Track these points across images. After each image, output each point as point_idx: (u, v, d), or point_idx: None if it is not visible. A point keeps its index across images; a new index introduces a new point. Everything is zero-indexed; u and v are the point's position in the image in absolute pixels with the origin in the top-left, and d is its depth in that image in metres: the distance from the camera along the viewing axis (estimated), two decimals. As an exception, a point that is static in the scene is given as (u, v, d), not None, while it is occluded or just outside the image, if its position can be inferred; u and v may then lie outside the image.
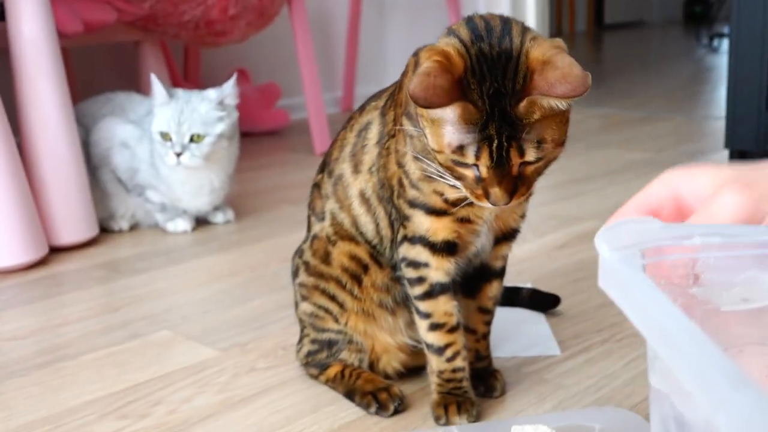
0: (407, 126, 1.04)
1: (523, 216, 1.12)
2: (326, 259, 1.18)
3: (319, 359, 1.23)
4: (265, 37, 3.44)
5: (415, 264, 1.09)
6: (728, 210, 0.58)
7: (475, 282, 1.15)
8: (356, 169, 1.14)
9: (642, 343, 1.29)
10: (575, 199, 2.21)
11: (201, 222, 2.15)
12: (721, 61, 5.32)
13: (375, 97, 1.17)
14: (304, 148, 3.04)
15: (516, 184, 0.93)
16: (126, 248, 1.98)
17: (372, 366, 1.21)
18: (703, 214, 0.59)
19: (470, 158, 0.91)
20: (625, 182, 2.37)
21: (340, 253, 1.17)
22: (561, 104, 0.89)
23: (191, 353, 1.37)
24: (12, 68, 1.89)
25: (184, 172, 1.99)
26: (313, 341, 1.22)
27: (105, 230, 2.09)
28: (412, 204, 1.06)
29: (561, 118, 0.92)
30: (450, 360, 1.12)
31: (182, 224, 2.08)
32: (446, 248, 1.07)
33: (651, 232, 0.58)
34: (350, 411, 1.16)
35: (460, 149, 0.91)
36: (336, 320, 1.19)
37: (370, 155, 1.12)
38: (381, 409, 1.14)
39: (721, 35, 5.96)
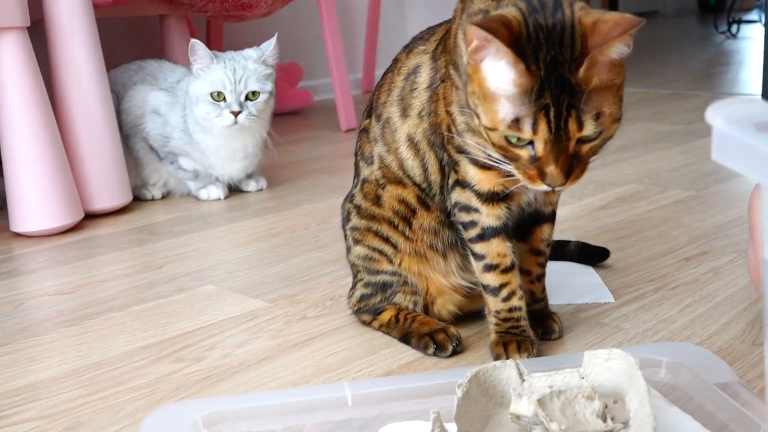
0: (454, 75, 1.03)
1: None
2: (377, 201, 1.18)
3: (373, 304, 1.21)
4: (287, 17, 3.43)
5: (467, 208, 1.08)
6: None
7: (527, 226, 1.14)
8: (404, 113, 1.13)
9: (697, 290, 1.28)
10: (613, 165, 2.19)
11: (233, 191, 2.14)
12: (741, 46, 5.31)
13: (421, 39, 1.16)
14: (330, 125, 3.03)
15: (572, 163, 0.92)
16: (160, 214, 1.97)
17: (426, 309, 1.20)
18: None
19: (527, 132, 0.90)
20: (660, 150, 2.36)
21: (390, 196, 1.16)
22: (621, 50, 0.89)
23: (240, 304, 1.36)
24: (47, 36, 1.88)
25: (219, 138, 1.98)
26: (367, 285, 1.21)
27: (137, 199, 2.08)
28: (459, 150, 1.06)
29: (617, 91, 0.91)
30: (506, 300, 1.10)
31: (215, 192, 2.07)
32: (494, 197, 1.06)
33: (759, 110, 0.56)
34: (407, 353, 1.15)
35: (516, 123, 0.90)
36: (390, 261, 1.18)
37: (419, 99, 1.11)
38: (439, 349, 1.12)
39: (740, 21, 5.93)
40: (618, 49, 0.89)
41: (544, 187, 0.93)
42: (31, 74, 1.77)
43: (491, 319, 1.12)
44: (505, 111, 0.90)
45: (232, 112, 1.92)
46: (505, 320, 1.11)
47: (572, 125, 0.89)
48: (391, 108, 1.15)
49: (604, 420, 0.82)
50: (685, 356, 1.00)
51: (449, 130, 1.06)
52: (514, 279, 1.11)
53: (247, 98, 1.94)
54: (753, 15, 7.13)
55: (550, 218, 1.15)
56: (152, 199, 2.09)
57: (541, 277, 1.17)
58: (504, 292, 1.11)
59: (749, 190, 1.82)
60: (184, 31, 2.71)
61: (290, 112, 3.34)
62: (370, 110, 1.20)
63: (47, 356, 1.20)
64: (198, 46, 1.92)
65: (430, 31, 1.17)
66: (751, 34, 5.95)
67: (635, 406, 0.82)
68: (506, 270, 1.10)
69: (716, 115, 0.55)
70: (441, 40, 1.11)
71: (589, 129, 0.90)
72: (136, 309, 1.36)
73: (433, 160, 1.12)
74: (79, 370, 1.15)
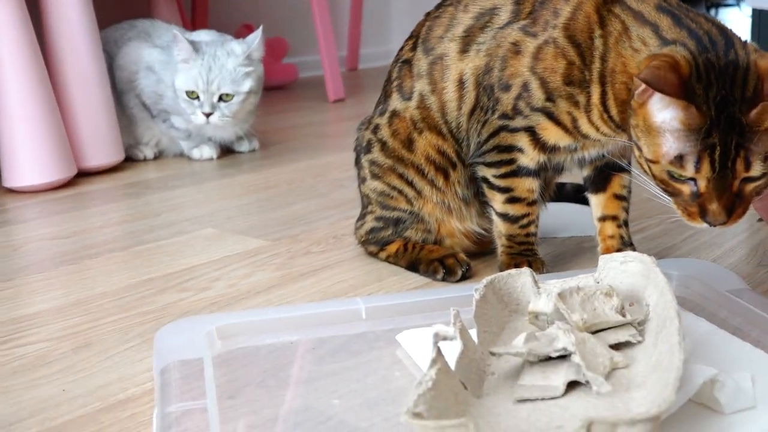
0: (567, 47, 1.00)
1: None
2: (409, 145, 1.15)
3: (382, 236, 1.21)
4: (272, -9, 3.42)
5: (509, 149, 1.07)
6: None
7: (606, 175, 1.13)
8: (465, 50, 1.09)
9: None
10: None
11: (225, 151, 2.13)
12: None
13: None
14: (317, 97, 3.02)
15: (735, 202, 0.89)
16: (153, 172, 1.96)
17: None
18: None
19: (689, 170, 0.88)
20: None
21: (427, 143, 1.14)
22: None
23: (242, 243, 1.35)
24: (37, -10, 1.87)
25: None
26: (378, 218, 1.20)
27: (129, 159, 2.06)
28: (536, 110, 1.04)
29: None
30: (524, 226, 1.11)
31: (208, 151, 2.05)
32: (550, 148, 1.06)
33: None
34: (416, 279, 1.15)
35: (679, 160, 0.88)
36: (410, 203, 1.17)
37: (486, 36, 1.07)
38: (448, 274, 1.12)
39: (718, 5, 5.97)
40: None
41: (703, 225, 0.92)
42: (24, 31, 1.75)
43: (502, 242, 1.12)
44: (669, 146, 0.89)
45: (204, 113, 1.91)
46: (520, 243, 1.12)
47: (740, 165, 0.88)
48: (450, 44, 1.10)
49: (623, 316, 0.82)
50: (696, 269, 1.00)
51: (526, 88, 1.03)
52: (536, 210, 1.12)
53: (221, 99, 1.92)
54: None
55: (627, 167, 1.13)
56: (144, 159, 2.07)
57: (626, 222, 1.14)
58: (524, 221, 1.11)
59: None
60: (171, 2, 2.69)
61: (276, 87, 3.32)
62: (417, 41, 1.15)
63: (51, 290, 1.18)
64: (179, 38, 1.90)
65: None
66: (728, 17, 5.99)
67: (655, 299, 0.82)
68: (531, 203, 1.11)
69: None
70: None
71: (756, 170, 0.88)
72: (138, 249, 1.35)
73: (470, 102, 1.09)
74: (84, 299, 1.14)
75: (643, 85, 0.90)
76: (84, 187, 1.81)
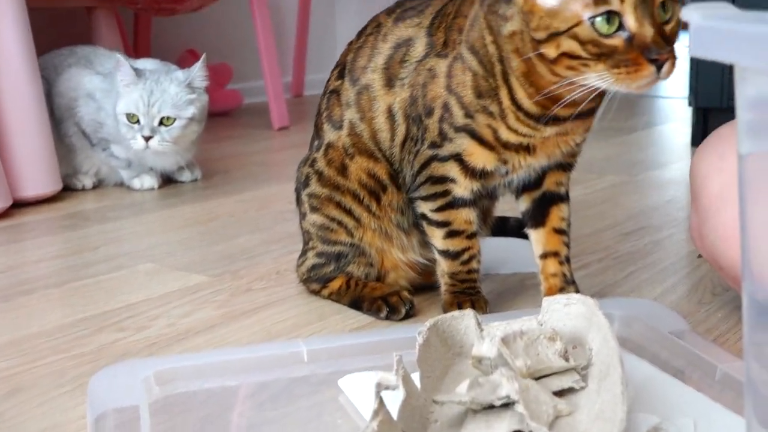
0: (470, 59, 1.02)
1: (573, 155, 1.10)
2: (343, 171, 1.14)
3: (324, 273, 1.19)
4: (217, 17, 3.40)
5: (441, 180, 1.07)
6: None
7: (543, 208, 1.12)
8: (389, 84, 1.10)
9: (640, 258, 1.30)
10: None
11: (167, 181, 2.10)
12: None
13: (413, 9, 1.12)
14: (261, 124, 3.01)
15: (665, 32, 0.89)
16: (91, 202, 1.92)
17: (378, 280, 1.19)
18: None
19: (614, 2, 0.87)
20: (589, 143, 2.39)
21: (358, 168, 1.13)
22: None
23: (182, 279, 1.33)
24: (-27, 15, 1.82)
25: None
26: (320, 254, 1.19)
27: (67, 188, 2.01)
28: (459, 129, 1.04)
29: None
30: (466, 263, 1.10)
31: (149, 181, 2.02)
32: (479, 174, 1.06)
33: (732, 10, 0.57)
34: (359, 318, 1.13)
35: None
36: (350, 234, 1.16)
37: (408, 71, 1.08)
38: (392, 312, 1.11)
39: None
40: None
41: (651, 71, 0.88)
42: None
43: (445, 281, 1.12)
44: None
45: (144, 137, 1.88)
46: (462, 281, 1.11)
47: None
48: (373, 75, 1.11)
49: (567, 360, 0.82)
50: (638, 309, 1.01)
51: (446, 108, 1.04)
52: (476, 244, 1.11)
53: (161, 123, 1.89)
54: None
55: (566, 198, 1.13)
56: (83, 189, 2.03)
57: (568, 258, 1.13)
58: (465, 256, 1.11)
59: (682, 175, 1.86)
60: (113, 25, 2.66)
61: (220, 113, 3.30)
62: (343, 71, 1.16)
63: (-19, 329, 1.15)
64: (123, 63, 1.88)
65: (424, 1, 1.13)
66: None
67: (598, 344, 0.82)
68: (470, 236, 1.10)
69: (692, 11, 0.55)
70: (438, 14, 1.09)
71: None
72: (75, 285, 1.32)
73: (402, 134, 1.10)
74: (17, 340, 1.10)
75: None
76: (19, 219, 1.77)
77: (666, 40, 0.89)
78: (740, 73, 0.53)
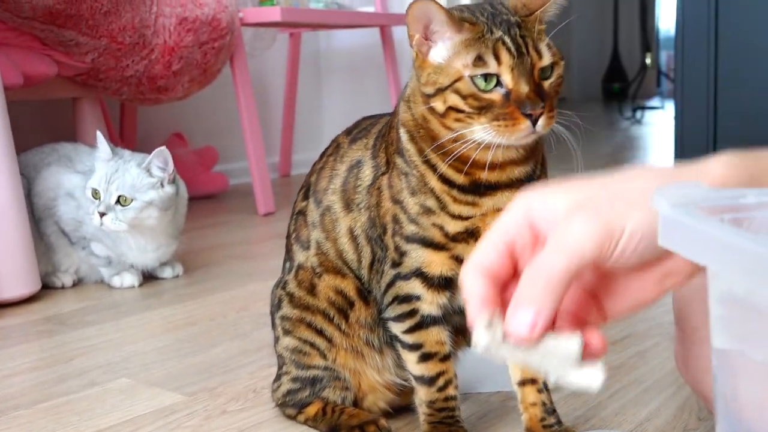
0: (400, 162, 1.03)
1: None
2: (312, 290, 1.13)
3: (299, 398, 1.16)
4: (203, 101, 3.41)
5: (407, 299, 1.05)
6: (577, 237, 0.57)
7: None
8: (348, 207, 1.10)
9: (625, 374, 1.28)
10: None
11: (148, 278, 2.07)
12: (645, 131, 5.51)
13: (364, 130, 1.14)
14: (246, 209, 2.99)
15: (542, 92, 0.93)
16: (71, 303, 1.89)
17: (356, 404, 1.16)
18: (552, 243, 0.58)
19: (491, 64, 0.92)
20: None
21: (326, 286, 1.12)
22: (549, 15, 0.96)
23: (156, 398, 1.29)
24: (-47, 116, 1.81)
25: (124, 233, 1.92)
26: (294, 379, 1.16)
27: (46, 287, 1.98)
28: (410, 239, 1.03)
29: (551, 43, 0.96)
30: (442, 389, 1.08)
31: (129, 279, 2.00)
32: (442, 283, 1.04)
33: (703, 193, 0.56)
34: (335, 447, 1.10)
35: (480, 59, 0.92)
36: (323, 356, 1.13)
37: (362, 196, 1.09)
38: (369, 443, 1.08)
39: (643, 108, 6.17)
40: (550, 11, 0.96)
41: (526, 125, 0.92)
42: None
43: (424, 410, 1.09)
44: (466, 57, 0.93)
45: (99, 212, 1.87)
46: (440, 410, 1.08)
47: (531, 51, 0.93)
48: (333, 197, 1.12)
49: None
50: (620, 445, 0.98)
51: (396, 220, 1.04)
52: (451, 368, 1.08)
53: (118, 202, 1.88)
54: (655, 101, 7.43)
55: None
56: (62, 287, 2.00)
57: (547, 385, 1.09)
58: (440, 381, 1.08)
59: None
60: (97, 115, 2.66)
61: (205, 196, 3.29)
62: (308, 192, 1.16)
63: (-55, 461, 1.11)
64: (101, 139, 1.88)
65: (373, 121, 1.15)
66: (654, 119, 6.18)
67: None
68: (444, 358, 1.08)
69: (661, 199, 0.54)
70: (379, 134, 1.10)
71: (546, 57, 0.94)
72: (45, 406, 1.28)
73: (368, 256, 1.09)
74: (-19, 475, 1.06)
75: (417, 35, 0.95)
76: (-5, 322, 1.73)
77: (542, 96, 0.93)
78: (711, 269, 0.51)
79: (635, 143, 4.98)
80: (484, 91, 0.93)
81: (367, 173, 1.09)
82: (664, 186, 0.57)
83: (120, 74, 2.46)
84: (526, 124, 0.92)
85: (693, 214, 0.51)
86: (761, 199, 0.55)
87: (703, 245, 0.49)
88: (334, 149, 1.15)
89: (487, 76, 0.92)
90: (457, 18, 0.94)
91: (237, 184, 3.53)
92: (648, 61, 6.82)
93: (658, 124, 5.87)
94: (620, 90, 8.41)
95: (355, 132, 1.15)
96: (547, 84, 0.94)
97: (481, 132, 0.94)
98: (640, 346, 1.44)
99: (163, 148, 1.92)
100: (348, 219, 1.10)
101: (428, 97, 0.97)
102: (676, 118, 2.30)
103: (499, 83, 0.93)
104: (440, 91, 0.95)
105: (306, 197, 1.16)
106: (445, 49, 0.95)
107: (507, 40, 0.92)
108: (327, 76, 4.24)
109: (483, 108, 0.93)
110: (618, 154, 4.46)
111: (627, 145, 4.87)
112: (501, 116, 0.93)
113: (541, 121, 0.93)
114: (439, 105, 0.96)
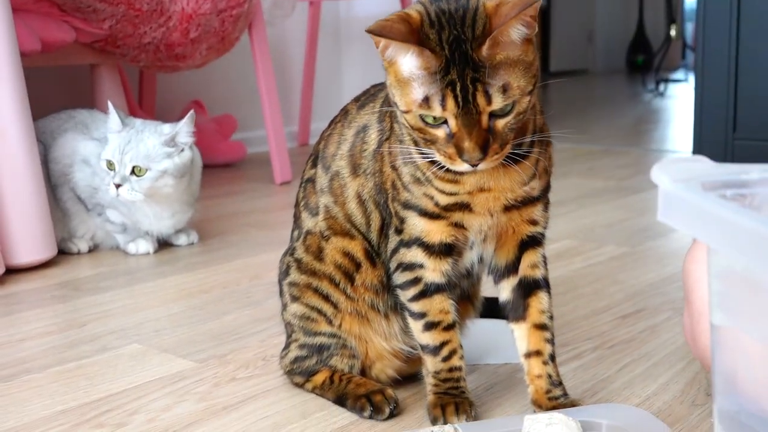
0: (396, 129, 1.04)
1: (533, 222, 1.07)
2: (319, 255, 1.14)
3: (307, 366, 1.17)
4: (222, 68, 3.40)
5: (410, 267, 1.06)
6: None
7: (523, 299, 1.09)
8: (355, 171, 1.11)
9: (635, 349, 1.27)
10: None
11: (163, 244, 2.08)
12: (667, 104, 5.44)
13: (372, 96, 1.14)
14: (264, 178, 2.99)
15: (488, 138, 0.92)
16: (86, 269, 1.90)
17: (364, 372, 1.16)
18: None
19: (436, 109, 0.91)
20: (593, 206, 2.37)
21: (334, 248, 1.13)
22: (521, 29, 0.91)
23: (166, 364, 1.30)
24: (-30, 81, 1.82)
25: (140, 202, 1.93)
26: (302, 346, 1.17)
27: (62, 252, 2.00)
28: (406, 206, 1.04)
29: (525, 65, 0.93)
30: (446, 359, 1.08)
31: (144, 246, 2.01)
32: (443, 250, 1.05)
33: (705, 169, 0.55)
34: (342, 416, 1.11)
35: (426, 102, 0.92)
36: (329, 322, 1.14)
37: (368, 160, 1.10)
38: (376, 412, 1.09)
39: (667, 80, 6.09)
40: (518, 28, 0.92)
41: (465, 167, 0.93)
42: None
43: (429, 380, 1.09)
44: (416, 91, 0.93)
45: (115, 184, 1.87)
46: (445, 380, 1.08)
47: (480, 99, 0.91)
48: (341, 162, 1.13)
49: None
50: (625, 418, 0.98)
51: (394, 186, 1.05)
52: (456, 337, 1.08)
53: (133, 172, 1.88)
54: (679, 74, 7.34)
55: (544, 285, 1.09)
56: (78, 253, 2.01)
57: (553, 357, 1.08)
58: (445, 351, 1.08)
59: (683, 246, 1.83)
60: (116, 81, 2.66)
61: (223, 165, 3.29)
62: (316, 159, 1.17)
63: (-43, 422, 1.12)
64: (112, 110, 1.88)
65: (381, 86, 1.14)
66: (677, 92, 6.11)
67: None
68: (448, 327, 1.08)
69: (662, 174, 0.53)
70: (386, 99, 1.09)
71: (497, 102, 0.91)
72: (56, 370, 1.29)
73: (377, 220, 1.10)
74: (-8, 437, 1.08)
75: (383, 42, 0.93)
76: (11, 287, 1.75)
77: (485, 144, 0.92)
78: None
79: (655, 116, 4.93)
80: (431, 126, 0.93)
81: (372, 137, 1.09)
82: (666, 160, 0.56)
83: (137, 41, 2.46)
84: (464, 166, 0.93)
85: (693, 190, 0.50)
86: (764, 175, 0.54)
87: (703, 221, 0.48)
88: (343, 116, 1.16)
89: (434, 117, 0.92)
90: (421, 36, 0.92)
91: (255, 152, 3.53)
92: (673, 33, 6.71)
93: (680, 97, 5.80)
94: (644, 62, 8.31)
95: (363, 98, 1.15)
96: (501, 123, 0.93)
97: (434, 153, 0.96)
98: (652, 320, 1.43)
99: (192, 111, 1.93)
100: (355, 184, 1.11)
101: (393, 94, 0.97)
102: (696, 90, 2.27)
103: (445, 122, 0.92)
104: (396, 105, 0.96)
105: (314, 165, 1.17)
106: (407, 65, 0.93)
107: (457, 87, 0.90)
108: (346, 45, 4.22)
109: (429, 140, 0.94)
110: (638, 126, 4.41)
111: (646, 118, 4.81)
112: (442, 150, 0.94)
113: (482, 164, 0.93)
114: (399, 102, 0.96)
